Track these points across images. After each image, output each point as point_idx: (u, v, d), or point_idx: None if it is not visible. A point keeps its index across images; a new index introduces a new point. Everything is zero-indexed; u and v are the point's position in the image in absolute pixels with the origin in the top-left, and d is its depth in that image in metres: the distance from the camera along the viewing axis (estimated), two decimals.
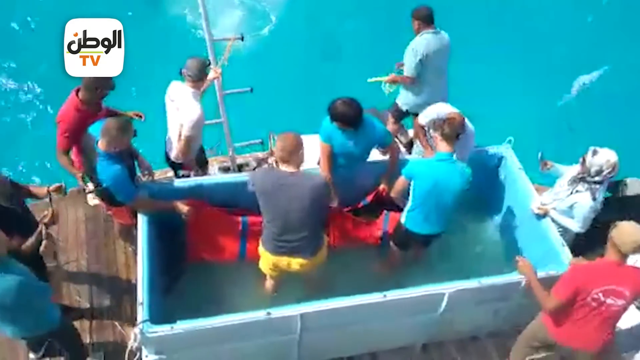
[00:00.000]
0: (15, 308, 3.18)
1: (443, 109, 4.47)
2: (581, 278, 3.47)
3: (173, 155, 4.62)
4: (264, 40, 8.72)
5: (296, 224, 3.75)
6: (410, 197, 4.09)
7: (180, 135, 4.41)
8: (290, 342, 3.83)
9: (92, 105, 4.21)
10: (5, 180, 3.70)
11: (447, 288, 3.75)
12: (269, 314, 3.51)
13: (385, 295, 3.66)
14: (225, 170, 5.69)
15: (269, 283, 4.30)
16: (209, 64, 4.46)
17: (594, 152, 3.94)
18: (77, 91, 4.17)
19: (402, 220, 4.19)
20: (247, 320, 3.51)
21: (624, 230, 3.32)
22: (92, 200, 5.06)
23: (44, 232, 3.51)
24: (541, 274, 3.89)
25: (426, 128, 4.57)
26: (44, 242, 3.37)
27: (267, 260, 4.00)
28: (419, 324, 4.14)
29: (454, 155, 3.96)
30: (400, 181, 4.09)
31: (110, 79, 4.14)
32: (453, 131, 3.91)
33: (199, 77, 4.30)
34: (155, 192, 4.19)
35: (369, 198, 4.53)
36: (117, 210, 4.29)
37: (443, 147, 3.93)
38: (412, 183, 4.03)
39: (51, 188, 3.82)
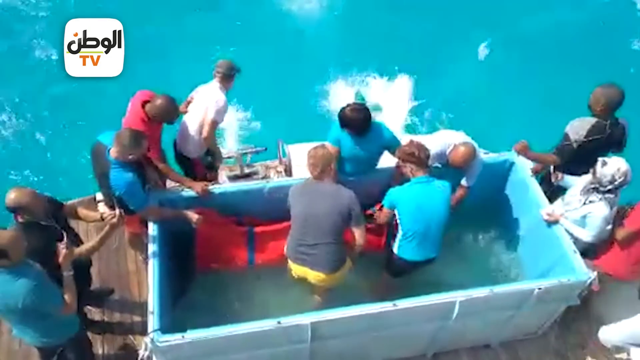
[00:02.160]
0: (26, 313, 3.19)
1: (452, 137, 4.34)
2: None
3: (191, 148, 4.77)
4: (268, 49, 8.73)
5: (320, 233, 3.84)
6: (399, 226, 4.04)
7: (203, 125, 4.61)
8: (301, 351, 3.81)
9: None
10: (43, 197, 3.64)
11: (458, 296, 3.71)
12: (279, 323, 3.50)
13: (395, 304, 3.64)
14: (234, 178, 5.70)
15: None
16: (239, 70, 4.72)
17: (603, 163, 3.92)
18: (144, 103, 4.24)
19: (395, 250, 4.12)
20: (257, 330, 3.50)
21: None
22: (103, 207, 5.08)
23: (107, 234, 3.64)
24: (553, 281, 3.86)
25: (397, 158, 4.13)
26: (63, 251, 3.34)
27: (290, 266, 4.10)
28: (430, 333, 4.11)
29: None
30: (384, 213, 4.08)
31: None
32: (427, 157, 3.91)
33: (228, 74, 4.57)
34: (165, 200, 4.20)
35: (378, 206, 4.51)
36: (128, 219, 4.31)
37: (419, 173, 3.92)
38: (396, 211, 4.00)
39: (106, 215, 3.79)
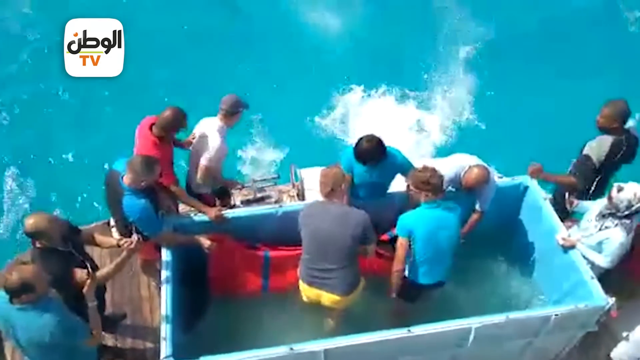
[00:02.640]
0: (52, 347, 3.19)
1: (465, 160, 4.33)
2: None
3: (193, 185, 4.70)
4: (280, 73, 8.80)
5: (333, 255, 3.83)
6: (411, 251, 3.95)
7: (198, 165, 4.50)
8: None
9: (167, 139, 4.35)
10: (61, 223, 3.64)
11: (474, 322, 3.66)
12: (291, 349, 3.47)
13: (410, 330, 3.60)
14: (247, 202, 5.71)
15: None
16: (246, 107, 4.56)
17: (619, 189, 3.89)
18: (151, 126, 4.26)
19: (406, 273, 4.07)
20: (269, 356, 3.47)
21: None
22: (116, 233, 5.10)
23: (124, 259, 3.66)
24: (569, 307, 3.80)
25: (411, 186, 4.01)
26: (87, 282, 3.34)
27: (302, 289, 4.08)
28: (444, 359, 4.04)
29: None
30: (401, 244, 3.89)
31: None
32: (441, 182, 3.84)
33: (231, 112, 4.43)
34: (179, 226, 4.22)
35: (394, 230, 4.48)
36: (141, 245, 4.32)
37: (430, 199, 3.84)
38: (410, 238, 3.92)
39: (122, 242, 3.76)
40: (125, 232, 4.10)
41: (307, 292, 4.05)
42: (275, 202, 5.65)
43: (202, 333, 4.27)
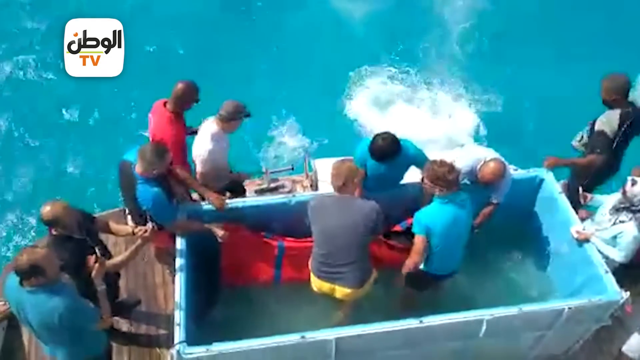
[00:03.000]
0: (62, 330, 3.23)
1: (481, 153, 4.30)
2: None
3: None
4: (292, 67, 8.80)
5: (344, 249, 3.83)
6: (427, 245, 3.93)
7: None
8: None
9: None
10: (77, 211, 3.68)
11: (486, 314, 3.66)
12: (303, 337, 3.49)
13: (421, 321, 3.60)
14: (260, 192, 5.74)
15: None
16: (247, 115, 4.39)
17: (633, 182, 3.85)
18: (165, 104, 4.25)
19: (421, 266, 4.04)
20: (281, 344, 3.50)
21: None
22: (131, 222, 5.15)
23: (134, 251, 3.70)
24: (583, 301, 3.78)
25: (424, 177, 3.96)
26: (95, 266, 3.38)
27: (313, 281, 4.08)
28: (455, 351, 4.05)
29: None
30: (420, 242, 3.83)
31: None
32: (457, 177, 3.79)
33: (227, 118, 4.26)
34: (193, 214, 4.25)
35: (409, 221, 4.48)
36: (156, 234, 4.35)
37: (445, 193, 3.79)
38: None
39: (138, 230, 3.79)
40: (140, 220, 4.13)
41: (319, 285, 4.05)
42: (289, 192, 5.67)
43: (215, 321, 4.32)
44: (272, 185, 5.83)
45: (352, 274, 3.90)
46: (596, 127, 4.62)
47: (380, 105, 8.36)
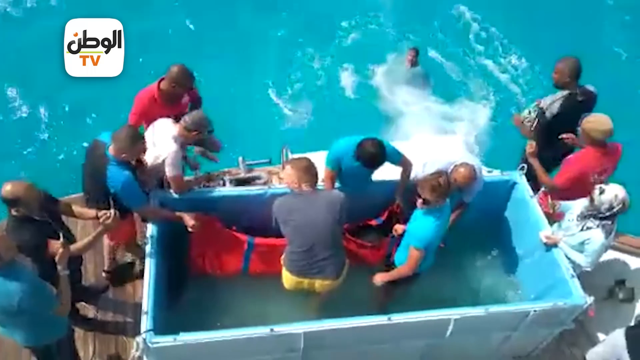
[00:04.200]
0: (20, 314, 3.17)
1: (454, 156, 4.31)
2: None
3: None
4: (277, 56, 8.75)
5: (320, 243, 3.85)
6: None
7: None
8: (293, 359, 3.80)
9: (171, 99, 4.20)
10: (40, 192, 3.55)
11: (453, 314, 3.70)
12: (272, 330, 3.49)
13: (390, 318, 3.63)
14: (238, 183, 5.69)
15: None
16: (210, 130, 4.21)
17: (601, 190, 3.92)
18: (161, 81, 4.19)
19: (396, 262, 4.10)
20: (250, 336, 3.49)
21: None
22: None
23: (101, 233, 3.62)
24: (548, 304, 3.85)
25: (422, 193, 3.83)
26: (60, 250, 3.30)
27: (288, 280, 4.06)
28: (423, 349, 4.09)
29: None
30: (419, 257, 3.85)
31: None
32: (445, 187, 3.76)
33: (188, 128, 4.06)
34: (165, 201, 4.20)
35: (383, 216, 4.51)
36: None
37: (434, 203, 3.76)
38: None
39: (101, 214, 3.65)
40: (97, 207, 3.91)
41: (295, 282, 4.02)
42: (264, 183, 5.64)
43: (184, 310, 4.28)
44: (248, 175, 5.78)
45: (332, 266, 3.93)
46: (539, 105, 4.89)
47: (363, 100, 8.36)
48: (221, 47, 8.65)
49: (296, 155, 5.40)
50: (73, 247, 3.59)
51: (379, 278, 4.12)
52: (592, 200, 3.95)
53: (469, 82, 8.85)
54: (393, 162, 4.23)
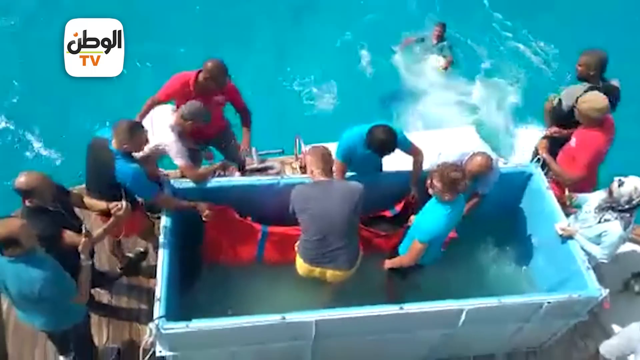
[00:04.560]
0: (40, 301, 3.22)
1: (469, 146, 4.30)
2: None
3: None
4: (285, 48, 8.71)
5: (334, 233, 3.84)
6: None
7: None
8: (304, 347, 3.81)
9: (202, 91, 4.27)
10: (52, 183, 3.58)
11: (466, 304, 3.68)
12: (283, 318, 3.50)
13: (402, 308, 3.62)
14: (249, 172, 5.71)
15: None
16: (204, 122, 4.31)
17: (620, 183, 3.86)
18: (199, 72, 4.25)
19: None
20: (261, 323, 3.50)
21: None
22: None
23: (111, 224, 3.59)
24: (563, 296, 3.81)
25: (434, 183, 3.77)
26: (83, 240, 3.36)
27: (301, 268, 4.08)
28: (434, 339, 4.08)
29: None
30: (421, 250, 3.81)
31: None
32: (452, 182, 3.64)
33: (187, 118, 4.18)
34: (179, 190, 4.22)
35: (398, 207, 4.49)
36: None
37: (450, 198, 3.69)
38: None
39: (113, 205, 3.66)
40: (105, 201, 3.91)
41: (308, 270, 4.04)
42: (277, 173, 5.65)
43: (198, 297, 4.32)
44: (261, 165, 5.80)
45: (345, 256, 3.92)
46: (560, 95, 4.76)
47: (383, 85, 8.29)
48: (226, 38, 8.62)
49: (311, 145, 5.44)
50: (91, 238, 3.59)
51: (384, 264, 4.13)
52: (610, 192, 3.90)
53: (496, 63, 8.76)
54: (403, 150, 4.21)
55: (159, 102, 4.40)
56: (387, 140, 3.97)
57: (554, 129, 4.76)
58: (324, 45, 8.82)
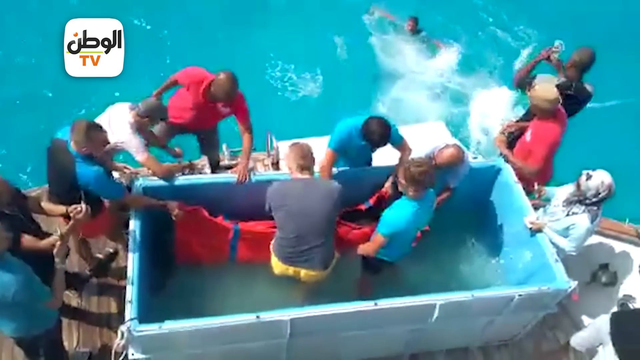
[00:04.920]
0: (13, 305, 3.13)
1: (439, 139, 4.37)
2: None
3: None
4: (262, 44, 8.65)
5: (312, 232, 3.81)
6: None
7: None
8: (279, 346, 3.80)
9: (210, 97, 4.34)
10: (8, 186, 3.47)
11: (439, 299, 3.71)
12: (258, 317, 3.48)
13: (376, 304, 3.63)
14: (221, 169, 5.65)
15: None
16: (162, 119, 4.31)
17: (588, 176, 3.93)
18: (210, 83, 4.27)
19: (375, 255, 4.06)
20: (236, 323, 3.47)
21: None
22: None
23: (69, 228, 3.45)
24: (533, 288, 3.88)
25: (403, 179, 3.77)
26: (58, 243, 3.28)
27: (276, 266, 4.04)
28: (409, 334, 4.11)
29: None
30: (382, 241, 3.85)
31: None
32: (429, 182, 3.70)
33: (143, 115, 4.11)
34: (147, 189, 4.15)
35: (372, 200, 4.50)
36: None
37: (417, 195, 3.70)
38: None
39: (72, 209, 3.50)
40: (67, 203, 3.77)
41: (283, 269, 4.01)
42: (250, 170, 5.60)
43: (170, 297, 4.26)
44: (232, 162, 5.74)
45: (319, 256, 3.89)
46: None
47: (358, 78, 8.30)
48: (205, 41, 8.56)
49: (285, 142, 5.42)
50: (46, 241, 3.50)
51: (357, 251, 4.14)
52: (578, 185, 3.97)
53: (474, 54, 8.85)
54: (394, 144, 4.23)
55: (176, 83, 4.54)
56: (383, 132, 4.00)
57: (509, 123, 4.83)
58: (293, 36, 8.79)
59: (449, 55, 8.66)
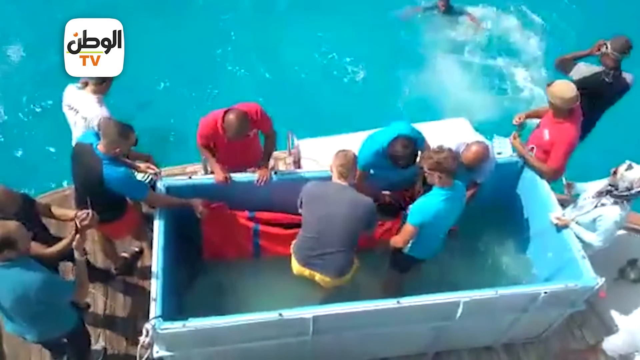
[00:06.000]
0: (37, 305, 3.17)
1: (465, 137, 4.29)
2: None
3: None
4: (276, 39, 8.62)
5: (331, 237, 3.80)
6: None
7: None
8: (302, 344, 3.80)
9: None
10: (16, 195, 3.56)
11: (463, 297, 3.68)
12: (280, 315, 3.49)
13: (399, 302, 3.61)
14: None
15: None
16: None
17: (629, 167, 3.84)
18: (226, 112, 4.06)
19: (406, 251, 4.03)
20: (259, 321, 3.49)
21: None
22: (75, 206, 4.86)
23: (75, 235, 3.42)
24: (559, 285, 3.82)
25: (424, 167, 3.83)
26: (77, 237, 3.31)
27: (294, 266, 4.06)
28: (432, 332, 4.09)
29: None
30: (412, 231, 3.82)
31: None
32: (453, 166, 3.68)
33: (100, 80, 4.17)
34: (171, 188, 4.20)
35: (401, 198, 4.49)
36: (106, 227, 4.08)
37: (444, 182, 3.71)
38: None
39: (79, 214, 3.48)
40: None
41: (301, 271, 4.03)
42: (271, 168, 5.61)
43: (194, 296, 4.30)
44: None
45: (334, 263, 3.88)
46: None
47: (380, 71, 8.15)
48: (218, 37, 8.51)
49: (306, 140, 5.43)
50: (55, 247, 3.53)
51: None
52: (615, 173, 3.88)
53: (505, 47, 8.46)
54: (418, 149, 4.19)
55: (202, 146, 4.33)
56: (409, 155, 3.94)
57: (519, 115, 4.73)
58: (317, 31, 8.62)
59: (483, 32, 8.35)
